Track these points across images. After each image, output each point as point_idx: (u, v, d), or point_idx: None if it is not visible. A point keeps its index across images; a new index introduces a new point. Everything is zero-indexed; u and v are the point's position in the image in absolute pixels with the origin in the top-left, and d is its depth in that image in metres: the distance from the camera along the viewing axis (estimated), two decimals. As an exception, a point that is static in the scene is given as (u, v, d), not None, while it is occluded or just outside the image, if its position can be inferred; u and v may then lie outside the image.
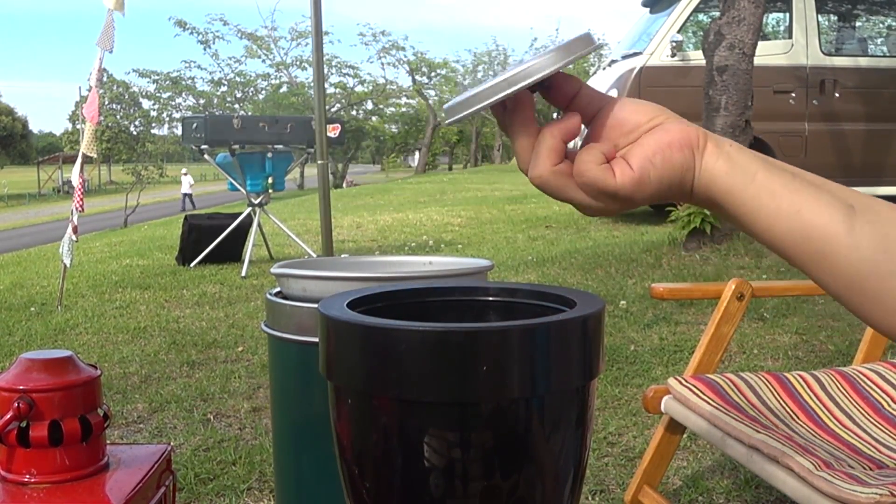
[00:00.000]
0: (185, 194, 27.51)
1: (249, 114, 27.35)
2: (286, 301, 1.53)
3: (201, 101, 33.18)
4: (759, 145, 7.44)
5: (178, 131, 10.92)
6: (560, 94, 0.63)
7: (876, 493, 1.35)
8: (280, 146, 6.89)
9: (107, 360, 3.88)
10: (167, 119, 35.34)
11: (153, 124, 40.24)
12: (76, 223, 5.16)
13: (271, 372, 1.65)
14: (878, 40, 9.48)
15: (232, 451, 2.70)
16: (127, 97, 42.33)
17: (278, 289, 1.62)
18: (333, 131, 6.88)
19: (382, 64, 42.42)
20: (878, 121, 8.08)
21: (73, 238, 5.11)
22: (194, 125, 6.62)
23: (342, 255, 6.22)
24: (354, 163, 54.74)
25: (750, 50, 5.73)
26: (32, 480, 1.23)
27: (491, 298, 0.50)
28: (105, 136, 41.06)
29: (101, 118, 5.97)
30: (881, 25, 9.58)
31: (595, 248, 6.64)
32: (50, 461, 1.23)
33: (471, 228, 9.40)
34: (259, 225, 6.94)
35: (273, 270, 1.57)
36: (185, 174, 28.35)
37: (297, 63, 32.73)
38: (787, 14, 8.25)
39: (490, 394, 0.40)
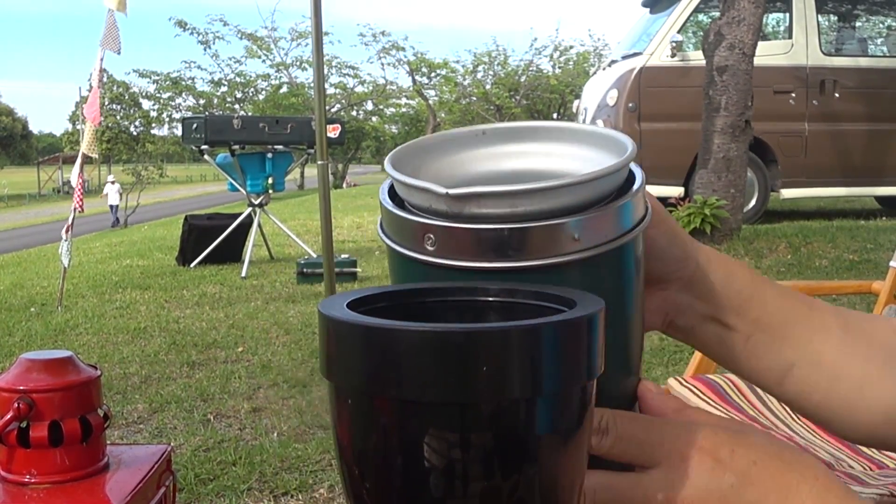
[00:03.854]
0: (112, 206, 22.82)
1: (249, 114, 27.37)
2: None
3: (201, 102, 33.17)
4: (759, 145, 7.45)
5: (178, 131, 10.92)
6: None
7: (876, 493, 1.35)
8: (280, 146, 6.90)
9: (107, 361, 3.88)
10: (167, 119, 35.32)
11: (153, 124, 40.22)
12: (70, 223, 5.16)
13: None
14: (878, 40, 9.48)
15: (232, 451, 2.70)
16: (127, 97, 42.31)
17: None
18: (333, 131, 6.88)
19: (382, 64, 42.42)
20: (878, 121, 8.07)
21: (64, 238, 5.12)
22: (194, 125, 6.63)
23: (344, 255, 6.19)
24: (355, 163, 54.73)
25: (750, 50, 5.73)
26: (32, 481, 1.23)
27: (491, 299, 0.50)
28: (105, 136, 41.08)
29: (102, 118, 5.98)
30: (881, 25, 9.58)
31: (595, 248, 6.63)
32: (50, 461, 1.23)
33: (471, 228, 9.38)
34: (259, 225, 6.94)
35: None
36: (112, 182, 23.80)
37: (298, 63, 32.70)
38: (787, 14, 8.25)
39: (490, 394, 0.40)
